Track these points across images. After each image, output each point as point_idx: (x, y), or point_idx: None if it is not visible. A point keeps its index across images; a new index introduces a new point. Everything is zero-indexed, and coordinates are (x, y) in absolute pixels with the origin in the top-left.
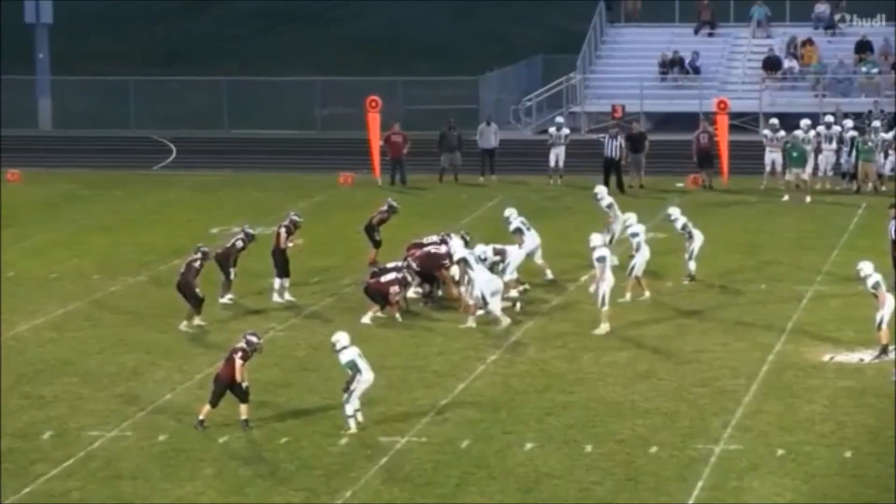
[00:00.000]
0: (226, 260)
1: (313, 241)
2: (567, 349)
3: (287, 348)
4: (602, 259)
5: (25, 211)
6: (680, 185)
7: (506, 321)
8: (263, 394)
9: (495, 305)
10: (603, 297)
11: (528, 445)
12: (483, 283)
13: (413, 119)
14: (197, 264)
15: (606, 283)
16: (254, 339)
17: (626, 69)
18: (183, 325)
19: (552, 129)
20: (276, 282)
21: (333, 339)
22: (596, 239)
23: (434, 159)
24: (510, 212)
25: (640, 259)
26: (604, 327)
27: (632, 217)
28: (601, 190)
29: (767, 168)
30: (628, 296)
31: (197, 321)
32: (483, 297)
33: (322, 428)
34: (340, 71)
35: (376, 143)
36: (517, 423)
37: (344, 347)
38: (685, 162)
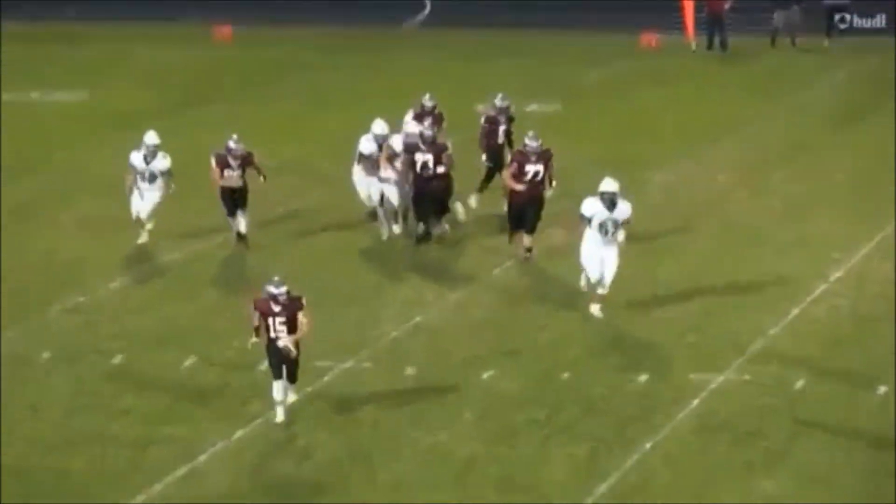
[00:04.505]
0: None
1: (610, 125)
2: None
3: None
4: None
5: (236, 81)
6: None
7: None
8: (542, 316)
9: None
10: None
11: (882, 389)
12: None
13: None
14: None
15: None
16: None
17: None
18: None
19: None
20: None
21: None
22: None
23: (765, 16)
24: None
25: None
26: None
27: None
28: None
29: None
30: None
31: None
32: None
33: (617, 363)
34: None
35: None
36: (869, 360)
37: None
38: None
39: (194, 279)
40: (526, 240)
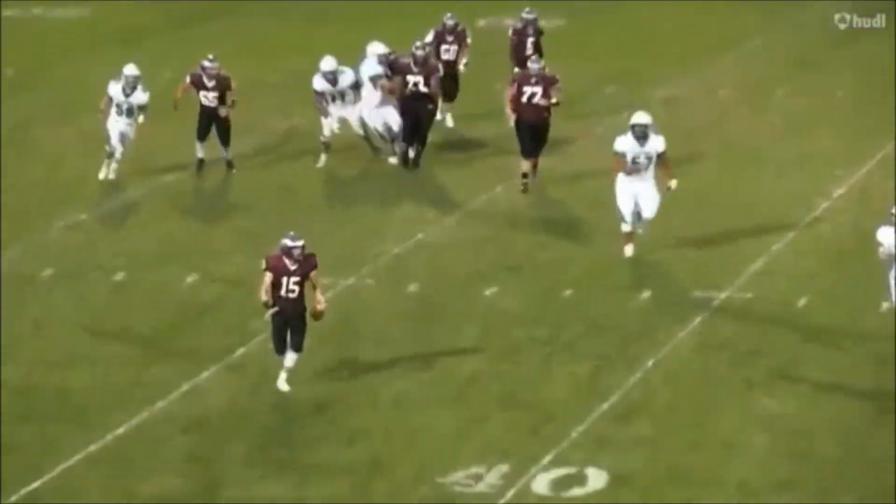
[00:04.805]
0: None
1: (613, 41)
2: None
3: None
4: None
5: None
6: None
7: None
8: (544, 233)
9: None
10: None
11: (885, 305)
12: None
13: None
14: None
15: None
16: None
17: None
18: None
19: None
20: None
21: None
22: None
23: None
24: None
25: None
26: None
27: None
28: None
29: None
30: None
31: None
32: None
33: (620, 280)
34: None
35: None
36: (872, 277)
37: None
38: None
39: (193, 197)
40: (530, 163)
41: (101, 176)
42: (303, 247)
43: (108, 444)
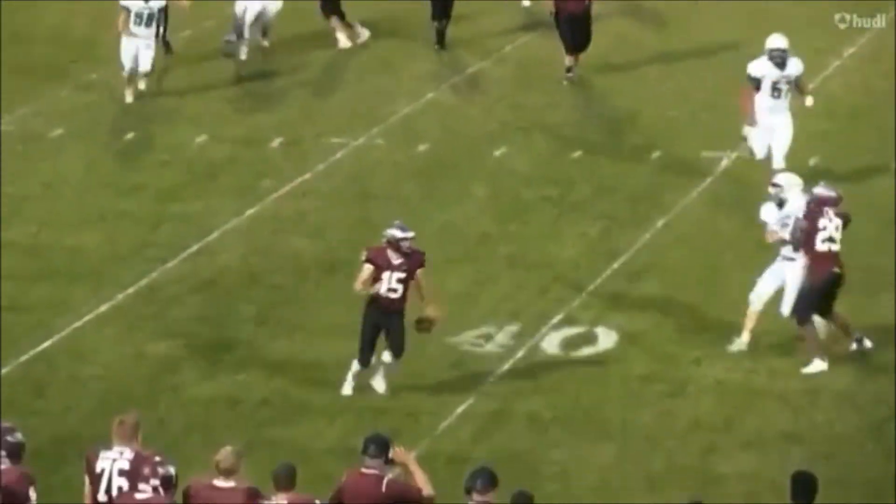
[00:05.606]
0: None
1: None
2: None
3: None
4: None
5: None
6: None
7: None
8: (555, 93)
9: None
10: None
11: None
12: None
13: None
14: None
15: None
16: None
17: None
18: None
19: None
20: None
21: None
22: None
23: None
24: None
25: None
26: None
27: None
28: None
29: None
30: None
31: None
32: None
33: (630, 141)
34: None
35: None
36: (883, 137)
37: None
38: None
39: (202, 58)
40: (568, 59)
41: (129, 100)
42: (412, 238)
43: (119, 304)
